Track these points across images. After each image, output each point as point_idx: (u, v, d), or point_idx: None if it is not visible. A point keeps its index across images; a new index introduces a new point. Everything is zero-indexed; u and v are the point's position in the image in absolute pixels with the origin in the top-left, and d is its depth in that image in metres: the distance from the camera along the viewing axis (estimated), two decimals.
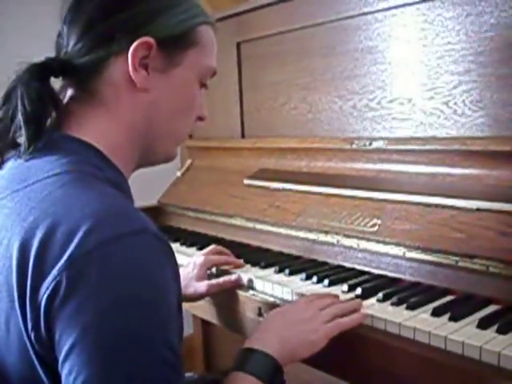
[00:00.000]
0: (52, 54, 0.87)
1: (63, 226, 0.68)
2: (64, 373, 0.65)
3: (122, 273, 0.67)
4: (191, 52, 0.88)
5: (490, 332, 0.89)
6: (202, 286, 1.24)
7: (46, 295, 0.65)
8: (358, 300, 1.05)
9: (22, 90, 0.78)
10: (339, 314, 0.98)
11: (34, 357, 0.69)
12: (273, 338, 0.93)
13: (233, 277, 1.25)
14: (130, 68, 0.83)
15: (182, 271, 1.27)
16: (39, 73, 0.81)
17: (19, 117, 0.78)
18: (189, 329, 2.19)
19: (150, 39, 0.82)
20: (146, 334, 0.67)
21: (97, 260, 0.66)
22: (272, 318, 0.99)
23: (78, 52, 0.83)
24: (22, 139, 0.79)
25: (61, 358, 0.66)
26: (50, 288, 0.65)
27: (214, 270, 1.33)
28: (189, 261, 1.32)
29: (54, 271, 0.65)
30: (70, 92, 0.87)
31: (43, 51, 0.86)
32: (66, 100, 0.87)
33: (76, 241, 0.66)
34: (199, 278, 1.26)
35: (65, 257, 0.65)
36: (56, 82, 0.85)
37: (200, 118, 0.97)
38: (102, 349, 0.65)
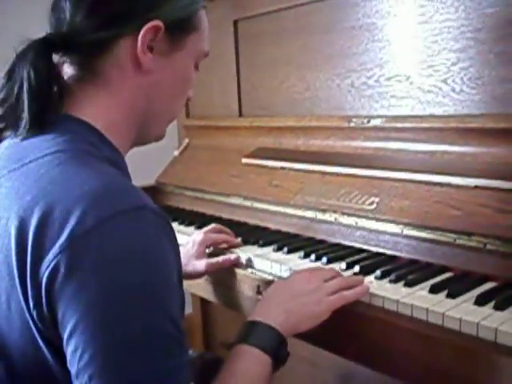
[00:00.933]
0: None
1: (61, 204, 0.68)
2: (70, 350, 0.66)
3: (121, 250, 0.67)
4: (192, 37, 0.89)
5: (487, 308, 0.89)
6: (201, 264, 1.24)
7: (46, 273, 0.66)
8: (360, 276, 1.05)
9: (28, 68, 0.77)
10: (343, 287, 0.98)
11: (36, 334, 0.70)
12: (276, 310, 0.93)
13: (232, 256, 1.25)
14: (139, 50, 0.82)
15: (181, 249, 1.27)
16: (43, 49, 0.79)
17: (24, 95, 0.77)
18: (188, 308, 2.19)
19: (160, 23, 0.82)
20: (148, 310, 0.67)
21: (96, 238, 0.66)
22: (275, 290, 0.99)
23: (85, 29, 0.81)
24: (24, 117, 0.77)
25: (65, 336, 0.66)
26: (51, 267, 0.65)
27: (211, 248, 1.33)
28: (188, 239, 1.32)
29: (54, 250, 0.66)
30: (70, 70, 0.85)
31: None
32: (65, 78, 0.85)
33: (75, 219, 0.66)
34: (198, 256, 1.26)
35: (64, 235, 0.66)
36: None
37: (187, 99, 0.98)
38: (104, 325, 0.65)
